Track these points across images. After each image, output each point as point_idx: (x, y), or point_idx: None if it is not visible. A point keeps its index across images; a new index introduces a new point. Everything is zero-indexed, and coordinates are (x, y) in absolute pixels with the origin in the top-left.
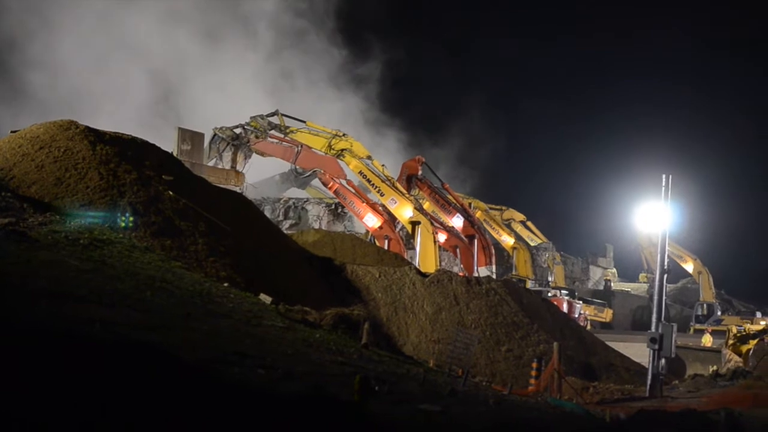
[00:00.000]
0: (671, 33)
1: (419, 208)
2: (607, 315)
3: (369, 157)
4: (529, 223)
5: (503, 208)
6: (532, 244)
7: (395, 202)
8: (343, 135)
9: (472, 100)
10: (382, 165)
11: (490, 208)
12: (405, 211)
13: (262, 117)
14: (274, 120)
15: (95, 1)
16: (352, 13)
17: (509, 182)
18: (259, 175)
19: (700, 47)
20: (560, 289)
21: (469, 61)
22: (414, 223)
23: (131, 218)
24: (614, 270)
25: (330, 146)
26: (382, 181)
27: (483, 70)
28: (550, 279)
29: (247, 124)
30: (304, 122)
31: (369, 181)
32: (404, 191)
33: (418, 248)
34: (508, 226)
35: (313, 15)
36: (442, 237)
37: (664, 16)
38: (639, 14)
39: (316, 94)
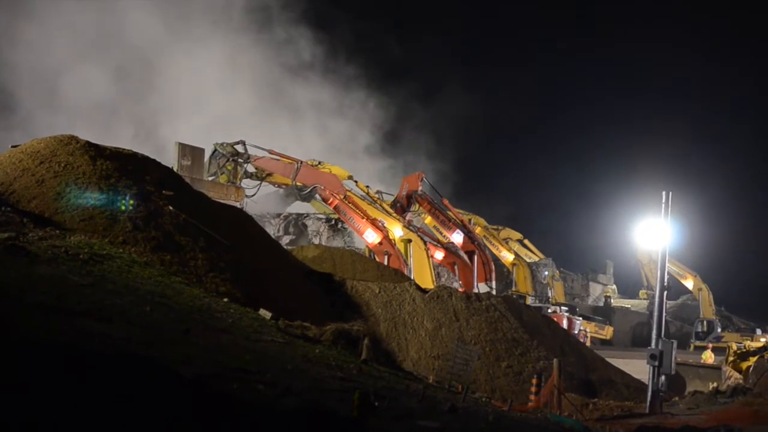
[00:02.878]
0: (670, 48)
1: (408, 226)
2: (607, 332)
3: (351, 177)
4: (526, 242)
5: (500, 227)
6: (529, 261)
7: (384, 223)
8: (319, 163)
9: (469, 118)
10: (366, 186)
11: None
12: (395, 231)
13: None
14: (239, 148)
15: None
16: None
17: (509, 199)
18: (260, 190)
19: (701, 62)
20: (560, 305)
21: (466, 76)
22: (406, 241)
23: (131, 201)
24: (614, 286)
25: None
26: (369, 204)
27: (480, 87)
28: (550, 295)
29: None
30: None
31: (357, 204)
32: (391, 210)
33: (411, 265)
34: (505, 245)
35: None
36: (439, 255)
37: (664, 32)
38: (639, 29)
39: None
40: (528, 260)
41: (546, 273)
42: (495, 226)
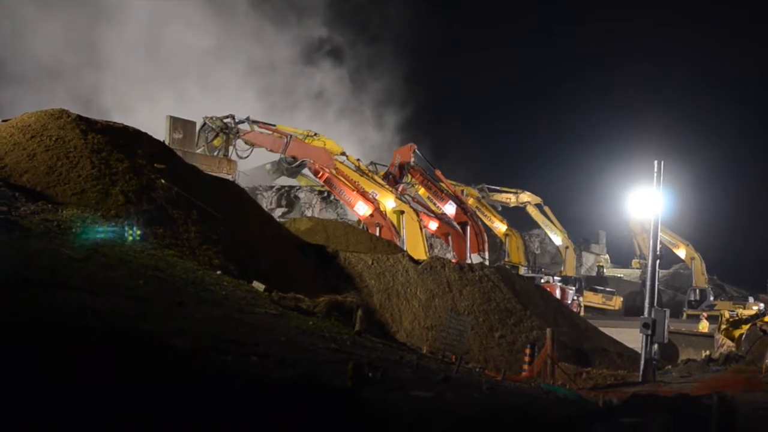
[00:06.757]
0: (663, 18)
1: (401, 197)
2: (615, 303)
3: (343, 153)
4: (546, 209)
5: (519, 191)
6: (546, 230)
7: (376, 195)
8: (315, 134)
9: (463, 87)
10: (357, 159)
11: (505, 191)
12: (387, 202)
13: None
14: (229, 122)
15: None
16: None
17: (501, 169)
18: (251, 163)
19: (693, 32)
20: (552, 275)
21: (462, 46)
22: (398, 213)
23: (138, 232)
24: (607, 256)
25: None
26: (361, 176)
27: (476, 57)
28: (562, 268)
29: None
30: (274, 125)
31: (347, 177)
32: (383, 182)
33: (404, 236)
34: (523, 209)
35: None
36: (433, 225)
37: (658, 2)
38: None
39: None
40: (546, 228)
41: (559, 243)
42: (514, 190)
